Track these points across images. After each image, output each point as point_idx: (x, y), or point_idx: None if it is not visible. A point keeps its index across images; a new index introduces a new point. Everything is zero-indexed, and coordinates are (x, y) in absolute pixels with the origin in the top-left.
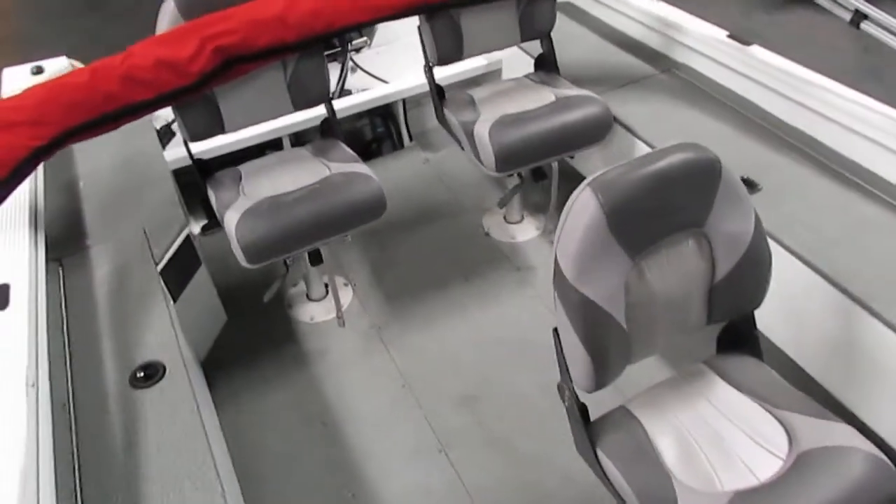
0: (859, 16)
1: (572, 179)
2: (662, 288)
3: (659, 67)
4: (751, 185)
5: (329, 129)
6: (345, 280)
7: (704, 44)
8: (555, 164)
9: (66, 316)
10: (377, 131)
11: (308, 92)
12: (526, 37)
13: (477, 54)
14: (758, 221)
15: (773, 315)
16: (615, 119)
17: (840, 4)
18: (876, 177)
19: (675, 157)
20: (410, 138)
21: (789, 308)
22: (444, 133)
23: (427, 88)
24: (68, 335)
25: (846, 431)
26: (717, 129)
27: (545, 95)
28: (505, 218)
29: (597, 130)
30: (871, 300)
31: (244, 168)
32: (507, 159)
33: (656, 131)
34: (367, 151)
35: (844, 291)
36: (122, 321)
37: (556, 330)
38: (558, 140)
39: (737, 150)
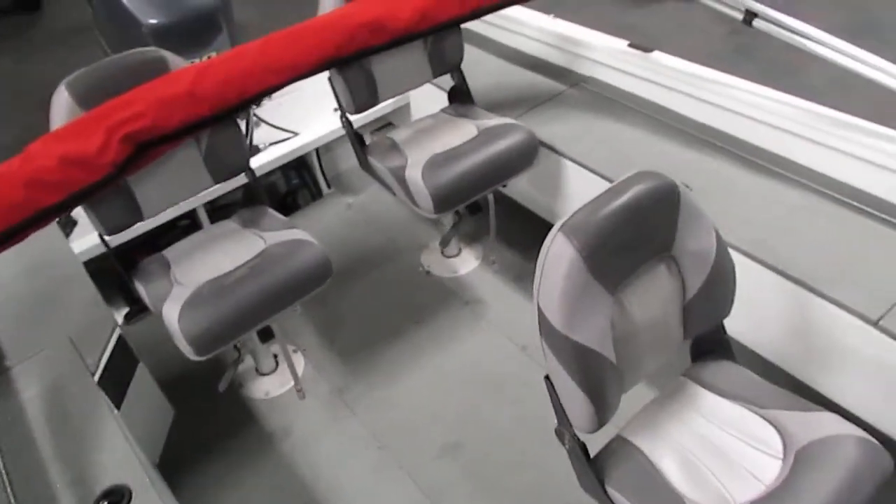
0: (750, 14)
1: (504, 205)
2: (643, 316)
3: (567, 83)
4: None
5: (252, 195)
6: (293, 347)
7: (607, 55)
8: (490, 196)
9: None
10: (292, 183)
11: (227, 163)
12: (437, 72)
13: (391, 97)
14: (718, 234)
15: (732, 314)
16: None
17: (731, 6)
18: (794, 164)
19: (637, 188)
20: (328, 185)
21: (744, 304)
22: (362, 173)
23: (339, 133)
24: (6, 473)
25: (832, 420)
26: (635, 137)
27: (467, 129)
28: (443, 253)
29: (525, 156)
30: (817, 283)
31: (170, 253)
32: (444, 200)
33: (578, 147)
34: (284, 205)
35: (791, 278)
36: (67, 446)
37: (547, 377)
38: (491, 172)
39: (659, 156)
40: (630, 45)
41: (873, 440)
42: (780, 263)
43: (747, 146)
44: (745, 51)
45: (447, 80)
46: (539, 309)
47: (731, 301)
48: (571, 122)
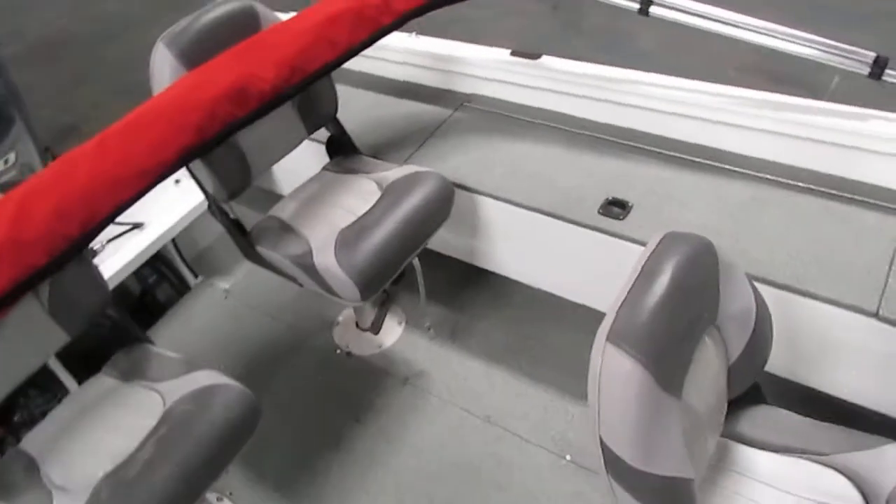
0: (646, 3)
1: (421, 257)
2: (701, 403)
3: (451, 106)
4: (622, 205)
5: (122, 330)
6: (217, 494)
7: (490, 68)
8: (416, 261)
9: None
10: (148, 282)
11: (81, 308)
12: (312, 128)
13: (266, 169)
14: (752, 283)
15: None
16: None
17: None
18: (726, 153)
19: (674, 260)
20: (195, 274)
21: None
22: (229, 249)
23: (199, 211)
24: None
25: None
26: (547, 154)
27: (366, 187)
28: (358, 326)
29: (444, 205)
30: (803, 284)
31: (32, 445)
32: (370, 283)
33: (490, 177)
34: (143, 309)
35: (776, 285)
36: None
37: None
38: (412, 235)
39: (582, 171)
40: (513, 54)
41: None
42: (760, 270)
43: (670, 142)
44: (572, 26)
45: (323, 134)
46: (602, 443)
47: (771, 346)
48: (471, 150)
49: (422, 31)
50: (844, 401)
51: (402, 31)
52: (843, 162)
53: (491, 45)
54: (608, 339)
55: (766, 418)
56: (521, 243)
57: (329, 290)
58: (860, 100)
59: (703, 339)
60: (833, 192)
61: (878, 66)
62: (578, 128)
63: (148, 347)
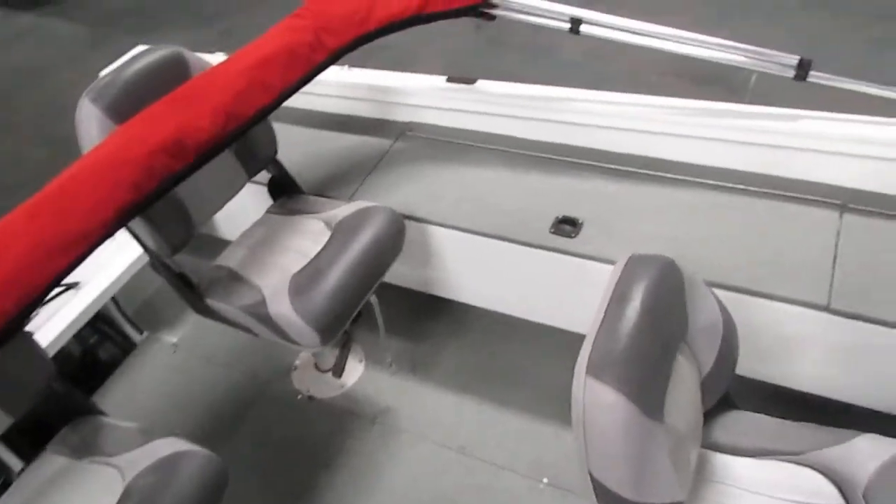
0: (576, 22)
1: (377, 291)
2: (681, 422)
3: (392, 136)
4: (573, 223)
5: (69, 405)
6: None
7: (426, 96)
8: (373, 298)
9: None
10: (89, 343)
11: (22, 382)
12: (253, 172)
13: (209, 219)
14: (715, 295)
15: None
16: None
17: (558, 18)
18: (666, 162)
19: (642, 284)
20: (139, 330)
21: None
22: (174, 300)
23: (140, 264)
24: None
25: (869, 443)
26: (493, 177)
27: (315, 227)
28: (318, 368)
29: (396, 239)
30: (755, 284)
31: None
32: (329, 327)
33: (439, 206)
34: (88, 373)
35: (730, 288)
36: None
37: None
38: (367, 273)
39: (529, 193)
40: (449, 80)
41: None
42: (715, 276)
43: (614, 156)
44: (498, 43)
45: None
46: (593, 477)
47: (738, 353)
48: (417, 179)
49: (352, 61)
50: (810, 394)
51: (335, 64)
52: (780, 162)
53: (423, 68)
54: (588, 372)
55: (738, 424)
56: (477, 269)
57: (286, 337)
58: (778, 94)
59: (677, 358)
60: (775, 192)
61: (803, 69)
62: (522, 148)
63: (98, 419)
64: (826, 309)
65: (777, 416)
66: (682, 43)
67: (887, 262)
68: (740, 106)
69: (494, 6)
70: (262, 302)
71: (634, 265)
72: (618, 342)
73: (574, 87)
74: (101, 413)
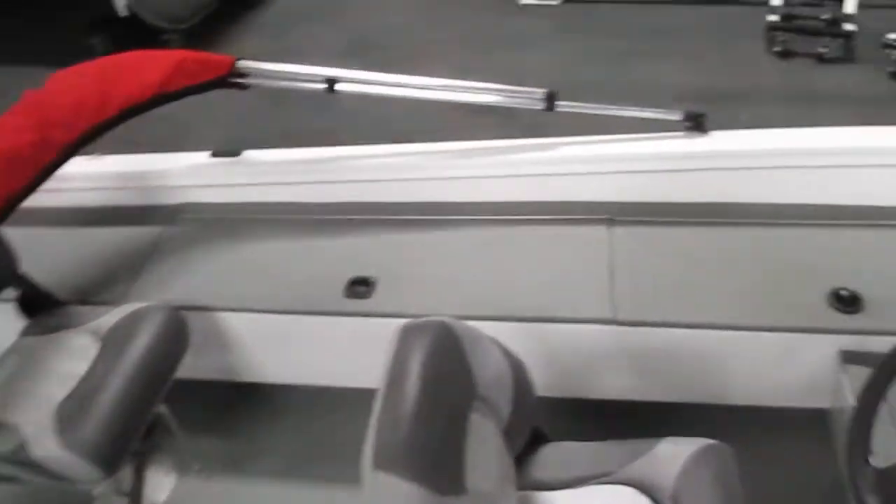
0: (331, 81)
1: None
2: (487, 482)
3: (163, 223)
4: (365, 282)
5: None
6: None
7: (193, 175)
8: (162, 407)
9: None
10: None
11: None
12: None
13: None
14: (497, 342)
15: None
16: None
17: (312, 80)
18: (449, 204)
19: (417, 357)
20: None
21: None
22: None
23: None
24: None
25: (670, 446)
26: (282, 249)
27: (79, 342)
28: (122, 493)
29: (178, 338)
30: (549, 312)
31: None
32: (110, 456)
33: (225, 291)
34: None
35: (527, 319)
36: None
37: None
38: (150, 383)
39: (320, 257)
40: (214, 154)
41: (705, 440)
42: (503, 310)
43: (397, 207)
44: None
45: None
46: None
47: (535, 391)
48: (197, 265)
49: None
50: (618, 400)
51: (81, 154)
52: (551, 187)
53: (198, 139)
54: (375, 465)
55: (552, 456)
56: (280, 346)
57: (62, 478)
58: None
59: (470, 418)
60: (550, 217)
61: (550, 101)
62: (303, 214)
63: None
64: (613, 322)
65: (592, 427)
66: (439, 90)
67: (656, 265)
68: (507, 142)
69: (244, 76)
70: (22, 446)
71: (407, 337)
72: (400, 428)
73: (362, 132)
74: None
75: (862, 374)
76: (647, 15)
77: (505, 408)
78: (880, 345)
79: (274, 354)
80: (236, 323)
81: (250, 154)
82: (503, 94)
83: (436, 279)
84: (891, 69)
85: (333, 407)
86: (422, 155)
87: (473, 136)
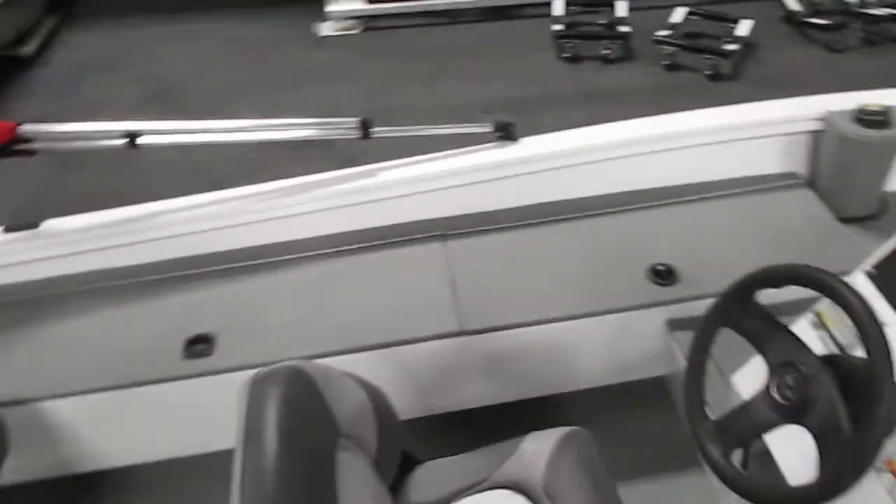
0: (132, 136)
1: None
2: None
3: None
4: (205, 339)
5: None
6: None
7: None
8: None
9: None
10: None
11: None
12: None
13: None
14: (351, 374)
15: None
16: None
17: (110, 137)
18: (281, 245)
19: (272, 407)
20: None
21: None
22: None
23: None
24: None
25: (534, 441)
26: (105, 320)
27: None
28: None
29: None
30: (391, 336)
31: None
32: None
33: (39, 380)
34: None
35: (365, 348)
36: None
37: None
38: None
39: (151, 322)
40: (7, 230)
41: (564, 428)
42: (355, 341)
43: (224, 256)
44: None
45: None
46: None
47: (397, 416)
48: (4, 356)
49: None
50: (481, 408)
51: None
52: (383, 212)
53: None
54: None
55: (426, 477)
56: (116, 426)
57: None
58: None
59: (338, 458)
60: (381, 242)
61: (365, 128)
62: (122, 279)
63: None
64: (461, 333)
65: (460, 440)
66: (251, 131)
67: (493, 272)
68: (329, 174)
69: (30, 140)
70: None
71: (258, 389)
72: (265, 486)
73: (176, 184)
74: None
75: (687, 338)
76: (443, 35)
77: (371, 440)
78: (699, 308)
79: (113, 436)
80: (62, 410)
81: (52, 223)
82: (318, 126)
83: (280, 323)
84: (665, 62)
85: (190, 479)
86: (242, 199)
87: (294, 172)
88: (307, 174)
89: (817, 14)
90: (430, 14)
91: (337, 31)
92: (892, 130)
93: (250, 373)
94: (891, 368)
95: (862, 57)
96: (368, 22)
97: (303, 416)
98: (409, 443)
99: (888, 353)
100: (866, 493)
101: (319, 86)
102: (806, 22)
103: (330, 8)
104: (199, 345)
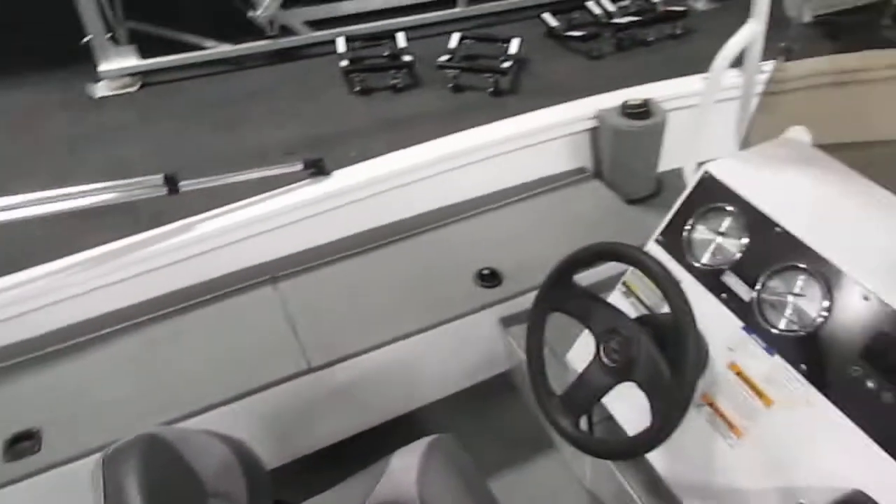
0: None
1: None
2: None
3: None
4: (28, 436)
5: None
6: None
7: None
8: None
9: None
10: None
11: None
12: None
13: None
14: (215, 434)
15: None
16: None
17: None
18: (101, 318)
19: (132, 485)
20: None
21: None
22: None
23: None
24: None
25: (398, 457)
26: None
27: None
28: None
29: None
30: (229, 392)
31: None
32: None
33: None
34: None
35: (208, 409)
36: None
37: None
38: None
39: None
40: None
41: (427, 438)
42: (197, 403)
43: (28, 345)
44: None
45: None
46: None
47: (262, 465)
48: None
49: None
50: (348, 439)
51: None
52: (198, 268)
53: None
54: None
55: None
56: None
57: None
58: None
59: None
60: (217, 293)
61: (172, 183)
62: None
63: None
64: (310, 370)
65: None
66: (38, 205)
67: (329, 305)
68: (133, 238)
69: None
70: None
71: (113, 466)
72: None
73: None
74: None
75: (521, 331)
76: (232, 82)
77: (241, 495)
78: (525, 302)
79: None
80: None
81: None
82: (117, 189)
83: (114, 399)
84: (450, 85)
85: None
86: (43, 279)
87: (95, 242)
88: (111, 241)
89: (574, 27)
90: (213, 63)
91: (113, 90)
92: (654, 119)
93: (95, 457)
94: (692, 317)
95: (617, 60)
96: (147, 77)
97: (166, 484)
98: (280, 491)
99: (688, 305)
100: (692, 427)
101: (106, 149)
102: (566, 35)
103: (102, 67)
104: (22, 443)
